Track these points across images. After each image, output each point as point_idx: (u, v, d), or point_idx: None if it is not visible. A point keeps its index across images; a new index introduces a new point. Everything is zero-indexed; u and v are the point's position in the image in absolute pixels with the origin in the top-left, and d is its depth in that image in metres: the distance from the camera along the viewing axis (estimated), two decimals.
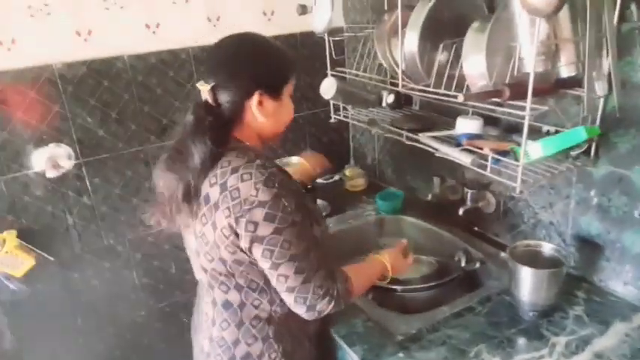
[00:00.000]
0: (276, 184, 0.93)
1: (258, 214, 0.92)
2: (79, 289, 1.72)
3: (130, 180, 1.71)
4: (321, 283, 0.98)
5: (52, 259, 1.60)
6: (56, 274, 1.65)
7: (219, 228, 0.95)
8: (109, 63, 1.57)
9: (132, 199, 1.72)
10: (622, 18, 1.03)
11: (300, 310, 0.99)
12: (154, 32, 1.62)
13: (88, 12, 1.51)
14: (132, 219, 1.74)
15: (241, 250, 0.96)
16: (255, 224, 0.92)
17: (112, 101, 1.60)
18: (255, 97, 0.99)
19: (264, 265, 0.96)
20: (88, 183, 1.64)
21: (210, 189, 0.96)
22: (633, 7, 1.01)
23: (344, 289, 1.02)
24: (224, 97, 0.98)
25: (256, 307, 1.03)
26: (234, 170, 0.94)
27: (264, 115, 1.01)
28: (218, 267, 1.00)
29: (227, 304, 1.04)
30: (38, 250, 1.56)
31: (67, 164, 1.58)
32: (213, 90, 0.97)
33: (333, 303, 0.99)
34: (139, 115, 1.66)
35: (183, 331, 1.68)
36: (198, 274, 1.09)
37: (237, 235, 0.94)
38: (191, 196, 0.97)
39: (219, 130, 0.98)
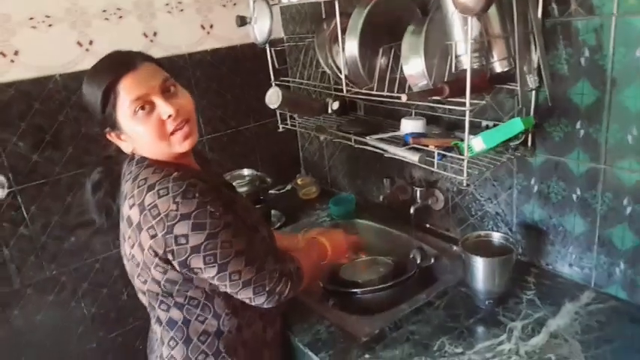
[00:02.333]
0: (197, 194, 0.90)
1: (185, 227, 0.88)
2: (22, 327, 1.59)
3: (71, 205, 1.61)
4: (274, 267, 1.00)
5: None
6: None
7: (146, 248, 0.92)
8: (39, 84, 1.49)
9: (74, 225, 1.63)
10: (545, 14, 1.09)
11: (261, 300, 0.99)
12: (87, 49, 1.55)
13: (12, 31, 1.43)
14: (75, 247, 1.64)
15: (172, 267, 0.93)
16: (186, 237, 0.89)
17: (45, 124, 1.52)
18: (109, 136, 0.99)
19: (211, 272, 0.92)
20: (24, 212, 1.53)
21: (130, 211, 0.93)
22: (554, 4, 1.08)
23: (295, 269, 1.05)
24: None
25: (202, 323, 1.00)
26: (151, 188, 0.91)
27: (128, 145, 0.99)
28: (153, 288, 0.97)
29: (171, 322, 1.01)
30: None
31: (0, 193, 1.47)
32: None
33: (290, 283, 1.02)
34: (76, 137, 1.58)
35: (137, 358, 1.61)
36: (139, 295, 1.06)
37: (165, 254, 0.91)
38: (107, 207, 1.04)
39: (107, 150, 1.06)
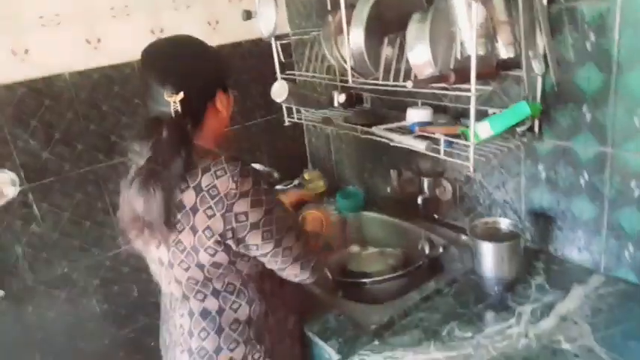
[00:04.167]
0: (251, 172, 0.95)
1: (244, 204, 0.93)
2: (34, 324, 1.61)
3: (81, 202, 1.63)
4: (313, 242, 1.09)
5: (1, 293, 1.50)
6: (7, 310, 1.55)
7: (200, 230, 0.94)
8: (49, 82, 1.50)
9: (84, 222, 1.65)
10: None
11: (306, 274, 1.05)
12: (95, 47, 1.57)
13: (23, 30, 1.45)
14: (86, 244, 1.66)
15: (224, 248, 0.95)
16: (245, 214, 0.93)
17: (55, 121, 1.53)
18: (218, 97, 1.02)
19: (267, 248, 0.98)
20: (35, 209, 1.55)
21: (182, 195, 0.94)
22: None
23: (326, 245, 1.18)
24: (190, 105, 0.96)
25: (235, 311, 1.02)
26: (205, 170, 0.93)
27: (224, 113, 1.05)
28: (195, 274, 0.99)
29: (205, 313, 1.02)
30: None
31: (12, 191, 1.49)
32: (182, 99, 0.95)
33: (325, 257, 1.15)
34: (85, 134, 1.59)
35: (150, 356, 1.62)
36: (170, 288, 1.06)
37: (225, 232, 0.93)
38: (173, 210, 0.94)
39: (189, 139, 0.97)
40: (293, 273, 1.04)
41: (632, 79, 1.02)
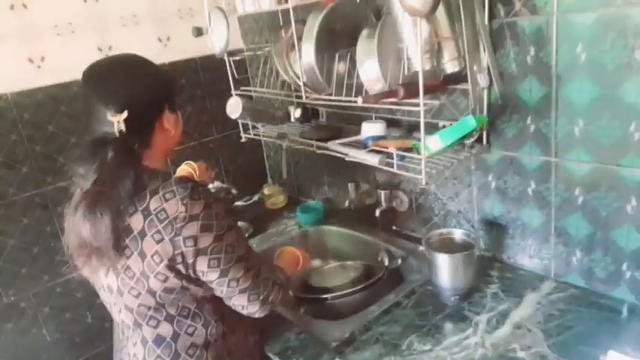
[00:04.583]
0: (202, 196, 0.92)
1: (194, 227, 0.89)
2: None
3: (28, 227, 1.56)
4: (267, 275, 1.01)
5: None
6: None
7: (149, 255, 0.90)
8: None
9: (32, 248, 1.57)
10: (492, 15, 1.13)
11: (255, 308, 0.99)
12: (38, 66, 1.51)
13: None
14: (34, 270, 1.58)
15: (176, 274, 0.92)
16: (194, 238, 0.90)
17: None
18: (165, 115, 0.99)
19: (212, 276, 0.94)
20: None
21: (130, 219, 0.90)
22: (499, 4, 1.12)
23: (285, 278, 1.08)
24: (136, 124, 0.93)
25: (191, 335, 0.99)
26: (154, 192, 0.90)
27: (173, 132, 1.02)
28: (146, 301, 0.95)
29: (159, 340, 0.98)
30: None
31: None
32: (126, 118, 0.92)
33: (281, 291, 1.03)
34: (30, 156, 1.53)
35: None
36: (121, 316, 1.01)
37: (174, 257, 0.90)
38: (121, 233, 0.90)
39: (136, 159, 0.94)
40: (240, 304, 0.98)
41: (571, 90, 1.06)
